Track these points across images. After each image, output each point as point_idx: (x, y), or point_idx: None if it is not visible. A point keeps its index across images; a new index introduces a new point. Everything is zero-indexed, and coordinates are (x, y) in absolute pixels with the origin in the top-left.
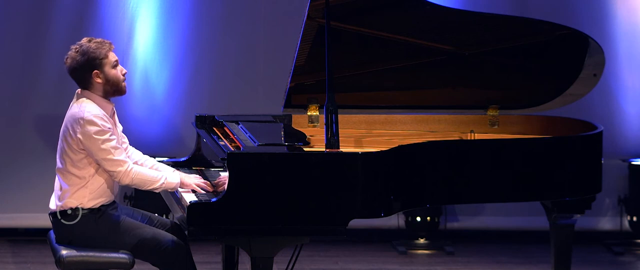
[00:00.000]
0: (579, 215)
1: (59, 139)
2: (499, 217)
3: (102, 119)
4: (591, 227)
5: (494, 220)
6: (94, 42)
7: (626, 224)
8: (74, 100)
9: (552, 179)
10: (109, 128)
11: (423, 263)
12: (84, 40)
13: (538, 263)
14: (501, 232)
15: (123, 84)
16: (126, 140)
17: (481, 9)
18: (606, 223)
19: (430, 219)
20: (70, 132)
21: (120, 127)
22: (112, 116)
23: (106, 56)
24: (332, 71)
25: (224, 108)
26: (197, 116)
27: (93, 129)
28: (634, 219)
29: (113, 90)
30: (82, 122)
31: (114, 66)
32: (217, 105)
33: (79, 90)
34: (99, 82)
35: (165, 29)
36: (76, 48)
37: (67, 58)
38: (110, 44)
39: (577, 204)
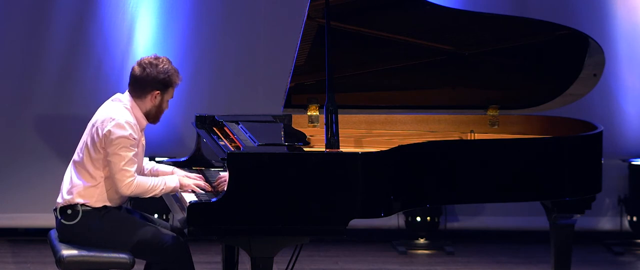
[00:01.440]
0: (579, 215)
1: (85, 133)
2: (499, 217)
3: (132, 127)
4: (591, 227)
5: (494, 220)
6: (174, 69)
7: (626, 224)
8: (115, 102)
9: (552, 179)
10: (135, 139)
11: (423, 263)
12: (166, 59)
13: (538, 263)
14: (501, 232)
15: (160, 118)
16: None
17: (481, 9)
18: (606, 223)
19: (430, 219)
20: (99, 128)
21: (142, 144)
22: (142, 131)
23: (173, 88)
24: (332, 71)
25: (224, 108)
26: (197, 116)
27: (120, 132)
28: (634, 219)
29: (152, 115)
30: (112, 122)
31: (168, 100)
32: (217, 105)
33: (125, 94)
34: (150, 102)
35: (165, 29)
36: (158, 61)
37: (143, 64)
38: (181, 79)
39: (577, 204)
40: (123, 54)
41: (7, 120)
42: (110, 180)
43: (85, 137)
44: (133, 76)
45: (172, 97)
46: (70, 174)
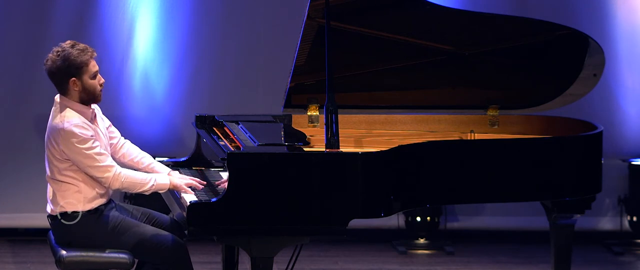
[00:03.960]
0: (579, 215)
1: (45, 147)
2: (499, 217)
3: (82, 127)
4: (591, 227)
5: (494, 220)
6: (77, 49)
7: (626, 224)
8: (54, 108)
9: (552, 178)
10: (91, 136)
11: (423, 263)
12: (67, 44)
13: (538, 263)
14: (501, 232)
15: (99, 93)
16: (117, 134)
17: (481, 9)
18: (606, 223)
19: (430, 219)
20: (53, 142)
21: (106, 123)
22: (93, 119)
23: (87, 64)
24: (332, 71)
25: (224, 108)
26: (197, 116)
27: (73, 140)
28: (634, 219)
29: (88, 99)
30: (62, 133)
31: (93, 76)
32: (217, 105)
33: (58, 96)
34: (75, 90)
35: (165, 29)
36: (58, 51)
37: (47, 60)
38: (92, 51)
39: (577, 204)
40: (123, 54)
41: (7, 120)
42: (92, 180)
43: (47, 152)
44: (48, 76)
45: (97, 69)
46: (50, 189)
